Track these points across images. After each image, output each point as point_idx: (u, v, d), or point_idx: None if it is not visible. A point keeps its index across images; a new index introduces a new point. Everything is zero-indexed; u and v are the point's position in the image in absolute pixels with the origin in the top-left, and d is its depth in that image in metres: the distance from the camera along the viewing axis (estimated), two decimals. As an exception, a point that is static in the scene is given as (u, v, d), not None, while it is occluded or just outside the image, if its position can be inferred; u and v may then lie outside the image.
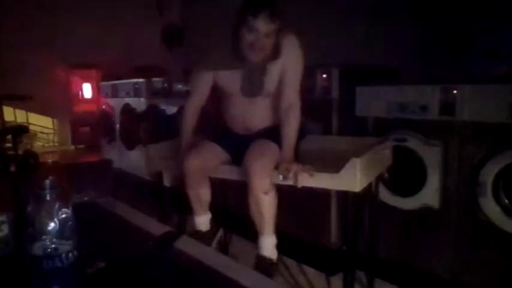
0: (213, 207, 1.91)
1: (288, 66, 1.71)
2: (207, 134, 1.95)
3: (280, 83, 1.73)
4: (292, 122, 1.69)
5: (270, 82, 1.74)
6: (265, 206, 1.61)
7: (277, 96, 1.76)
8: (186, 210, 2.22)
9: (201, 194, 1.82)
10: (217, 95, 1.90)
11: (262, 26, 1.58)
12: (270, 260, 1.64)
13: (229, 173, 1.79)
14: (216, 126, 1.99)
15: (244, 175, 1.63)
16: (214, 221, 2.00)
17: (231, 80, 1.78)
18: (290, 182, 1.56)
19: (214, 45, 1.85)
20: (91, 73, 5.98)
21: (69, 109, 5.95)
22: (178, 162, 1.79)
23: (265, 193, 1.59)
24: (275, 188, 1.63)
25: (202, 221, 1.90)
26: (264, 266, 1.55)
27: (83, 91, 6.03)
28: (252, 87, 1.75)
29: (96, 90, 5.74)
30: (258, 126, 1.83)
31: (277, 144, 1.69)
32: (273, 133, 1.74)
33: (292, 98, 1.71)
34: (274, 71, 1.72)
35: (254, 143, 1.71)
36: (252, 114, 1.82)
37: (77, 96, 6.07)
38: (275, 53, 1.68)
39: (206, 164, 1.77)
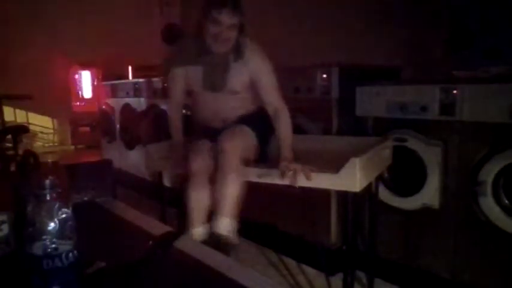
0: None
1: (260, 73, 1.76)
2: (196, 135, 1.95)
3: (247, 86, 1.80)
4: (284, 124, 1.74)
5: (234, 80, 1.78)
6: (230, 187, 1.63)
7: (245, 93, 1.82)
8: (186, 210, 2.22)
9: (201, 198, 1.78)
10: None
11: (226, 18, 1.64)
12: (226, 237, 1.63)
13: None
14: (195, 125, 2.00)
15: (216, 154, 1.68)
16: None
17: (195, 75, 1.82)
18: (287, 182, 1.57)
19: (179, 44, 1.92)
20: (91, 73, 5.99)
21: (69, 109, 5.96)
22: (175, 163, 1.79)
23: (234, 174, 1.63)
24: (244, 177, 1.66)
25: (199, 233, 1.85)
26: (217, 242, 1.56)
27: (83, 91, 6.04)
28: (214, 82, 1.79)
29: (96, 89, 5.75)
30: (233, 117, 1.87)
31: (250, 128, 1.78)
32: (247, 119, 1.82)
33: (275, 102, 1.76)
34: (237, 71, 1.77)
35: (228, 128, 1.78)
36: (223, 108, 1.85)
37: (77, 96, 6.07)
38: (238, 51, 1.74)
39: (210, 162, 1.77)
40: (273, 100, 1.76)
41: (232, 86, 1.80)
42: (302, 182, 1.56)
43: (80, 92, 6.04)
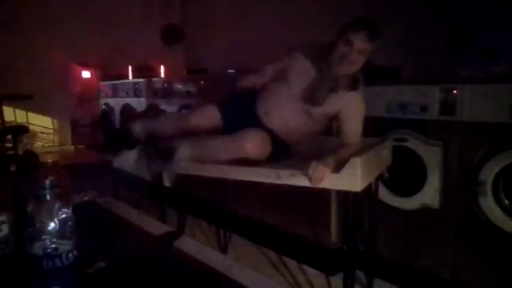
0: (213, 207, 1.91)
1: (352, 114, 1.74)
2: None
3: (326, 118, 1.80)
4: (349, 151, 1.66)
5: (329, 106, 1.75)
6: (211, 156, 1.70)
7: (312, 124, 1.79)
8: (186, 210, 2.23)
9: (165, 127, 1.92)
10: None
11: (359, 41, 1.63)
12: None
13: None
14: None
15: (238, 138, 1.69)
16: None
17: (300, 75, 1.78)
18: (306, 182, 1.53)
19: (310, 47, 1.87)
20: (91, 73, 5.98)
21: (69, 109, 5.96)
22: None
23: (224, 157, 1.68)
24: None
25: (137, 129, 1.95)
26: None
27: (83, 90, 6.03)
28: (315, 95, 1.74)
29: (96, 89, 5.74)
30: (275, 124, 1.80)
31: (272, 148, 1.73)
32: (277, 145, 1.74)
33: (355, 141, 1.74)
34: (337, 99, 1.73)
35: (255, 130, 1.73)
36: (280, 114, 1.79)
37: (77, 96, 6.07)
38: (352, 82, 1.72)
39: (201, 126, 1.85)
40: (354, 140, 1.74)
41: (322, 110, 1.76)
42: (304, 181, 1.56)
43: (80, 91, 6.04)
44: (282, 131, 1.80)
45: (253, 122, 1.79)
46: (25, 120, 5.63)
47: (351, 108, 1.74)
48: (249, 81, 1.91)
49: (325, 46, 1.74)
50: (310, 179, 1.52)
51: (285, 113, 1.80)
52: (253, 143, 1.66)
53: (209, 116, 1.86)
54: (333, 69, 1.70)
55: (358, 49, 1.64)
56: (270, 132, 1.77)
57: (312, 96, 1.75)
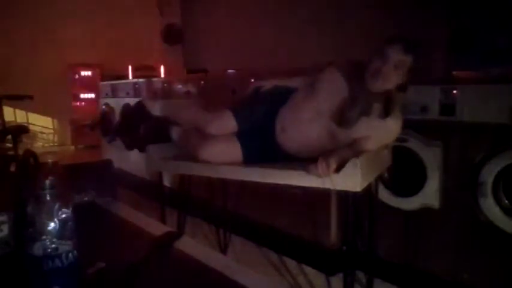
0: (213, 207, 1.91)
1: (375, 140, 1.63)
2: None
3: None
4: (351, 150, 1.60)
5: (359, 130, 1.63)
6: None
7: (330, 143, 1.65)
8: (186, 210, 2.23)
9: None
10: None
11: (394, 54, 1.54)
12: None
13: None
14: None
15: None
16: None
17: (331, 92, 1.68)
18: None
19: (346, 62, 1.76)
20: (91, 73, 5.99)
21: (69, 109, 5.96)
22: None
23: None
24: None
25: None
26: None
27: (83, 90, 6.04)
28: (346, 115, 1.63)
29: (96, 89, 5.76)
30: (285, 141, 1.74)
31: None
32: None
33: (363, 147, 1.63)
34: (370, 124, 1.62)
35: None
36: (297, 126, 1.71)
37: (77, 96, 6.07)
38: (387, 105, 1.59)
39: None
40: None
41: (349, 133, 1.62)
42: (304, 181, 1.56)
43: (80, 92, 6.04)
44: (295, 149, 1.74)
45: (268, 134, 1.76)
46: (25, 120, 5.64)
47: (380, 136, 1.64)
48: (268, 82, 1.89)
49: (362, 64, 1.63)
50: (319, 167, 1.47)
51: (304, 131, 1.69)
52: (208, 153, 1.72)
53: (225, 127, 1.83)
54: (367, 87, 1.59)
55: (394, 62, 1.54)
56: (278, 148, 1.75)
57: (341, 117, 1.64)
